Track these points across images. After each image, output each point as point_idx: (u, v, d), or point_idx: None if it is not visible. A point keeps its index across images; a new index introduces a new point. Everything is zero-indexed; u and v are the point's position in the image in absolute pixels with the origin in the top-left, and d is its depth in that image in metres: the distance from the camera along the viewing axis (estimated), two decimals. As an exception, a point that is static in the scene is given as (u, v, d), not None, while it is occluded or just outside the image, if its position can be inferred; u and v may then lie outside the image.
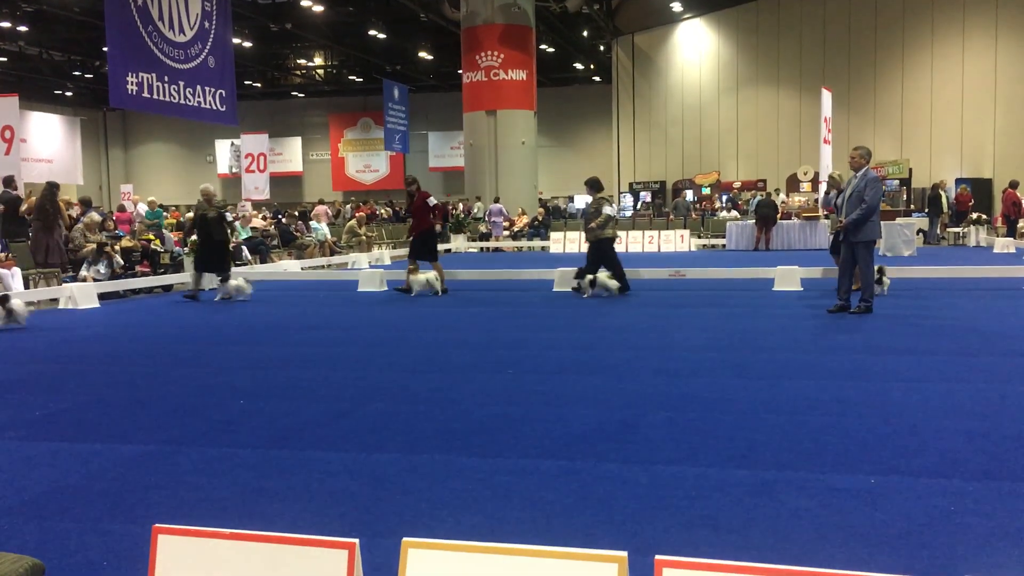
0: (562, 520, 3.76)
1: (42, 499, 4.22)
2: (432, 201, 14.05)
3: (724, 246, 25.79)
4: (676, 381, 6.66)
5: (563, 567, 1.91)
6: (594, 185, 13.46)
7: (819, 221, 24.11)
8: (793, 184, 32.81)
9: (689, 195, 34.74)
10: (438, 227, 14.44)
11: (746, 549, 3.39)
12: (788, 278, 13.54)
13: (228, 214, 14.83)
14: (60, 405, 6.36)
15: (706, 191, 35.92)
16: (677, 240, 26.03)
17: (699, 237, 27.47)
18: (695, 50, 37.08)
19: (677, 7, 36.34)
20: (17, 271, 13.56)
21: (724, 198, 34.33)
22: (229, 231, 14.60)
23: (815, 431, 5.11)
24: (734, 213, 29.78)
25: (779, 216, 25.08)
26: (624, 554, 1.93)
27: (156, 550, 2.14)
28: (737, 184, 34.33)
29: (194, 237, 14.81)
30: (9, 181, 16.58)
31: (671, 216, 30.16)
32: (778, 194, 30.42)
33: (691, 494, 4.04)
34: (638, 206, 36.60)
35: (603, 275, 13.01)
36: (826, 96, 25.28)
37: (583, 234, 15.65)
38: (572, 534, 3.55)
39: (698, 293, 13.35)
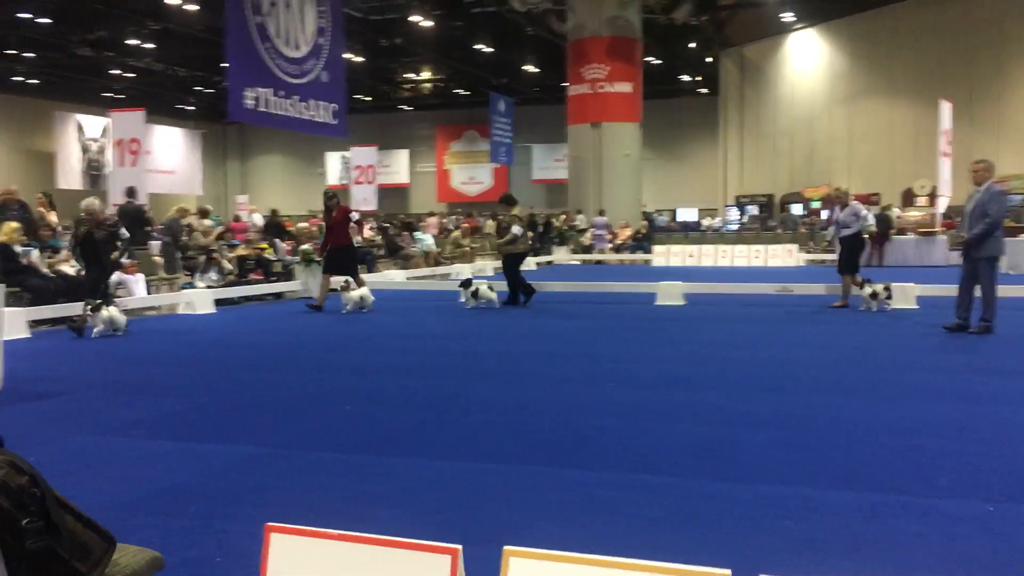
0: (662, 536, 3.72)
1: (160, 495, 4.42)
2: (355, 216, 14.13)
3: (835, 261, 25.01)
4: (781, 399, 6.51)
5: (665, 582, 1.90)
6: (507, 201, 14.19)
7: (936, 236, 23.19)
8: (908, 198, 31.60)
9: (798, 209, 33.85)
10: (358, 239, 14.40)
11: (854, 575, 3.29)
12: (902, 295, 13.04)
13: (124, 231, 12.64)
14: (177, 406, 6.64)
15: (815, 204, 34.96)
16: (785, 255, 25.42)
17: (808, 252, 26.75)
18: (806, 61, 36.19)
19: (788, 17, 35.56)
20: (141, 277, 14.23)
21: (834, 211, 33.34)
22: (119, 253, 12.27)
23: (929, 454, 4.92)
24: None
25: (893, 231, 24.21)
26: (727, 572, 1.90)
27: (268, 548, 2.22)
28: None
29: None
30: (131, 192, 17.41)
31: (778, 230, 29.46)
32: (891, 209, 29.36)
33: (796, 515, 3.95)
34: (744, 219, 35.90)
35: (483, 286, 13.60)
36: (945, 108, 24.33)
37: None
38: (672, 551, 3.51)
39: (805, 309, 13.01)
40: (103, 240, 11.58)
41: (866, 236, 13.70)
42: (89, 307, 11.04)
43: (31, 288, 11.98)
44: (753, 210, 36.66)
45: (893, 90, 34.13)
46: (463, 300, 13.68)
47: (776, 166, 37.14)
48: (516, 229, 13.73)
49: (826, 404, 6.30)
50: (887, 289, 12.60)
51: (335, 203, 13.95)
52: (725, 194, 38.61)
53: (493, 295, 13.59)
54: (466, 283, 13.83)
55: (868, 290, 12.60)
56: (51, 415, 6.41)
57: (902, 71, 33.80)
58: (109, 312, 11.03)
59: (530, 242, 15.41)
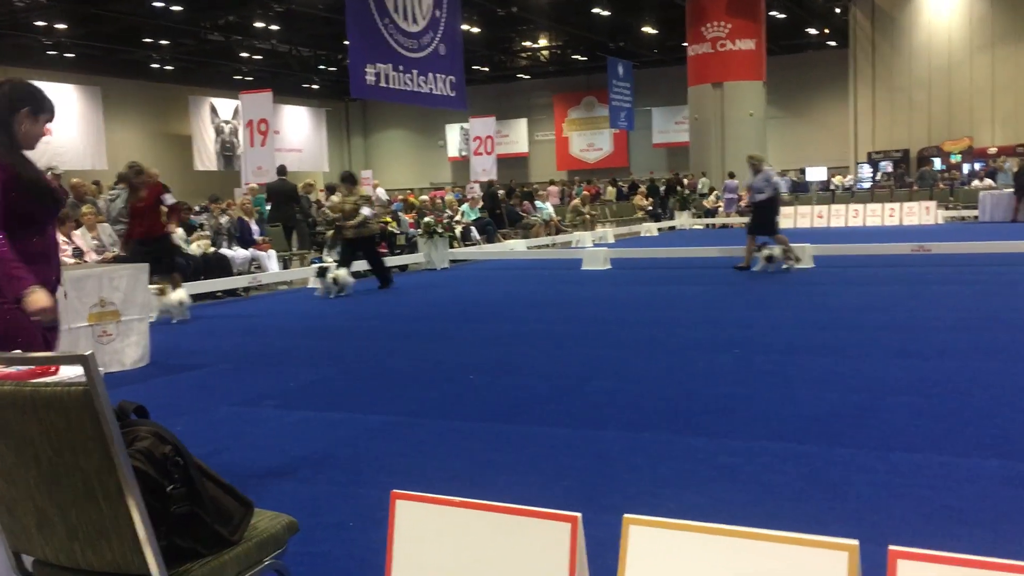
0: (790, 504, 3.64)
1: (296, 463, 4.61)
2: (169, 200, 10.87)
3: (976, 218, 23.78)
4: (919, 363, 6.24)
5: (788, 552, 1.86)
6: (349, 180, 13.74)
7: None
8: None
9: (937, 163, 32.15)
10: (172, 229, 11.24)
11: (997, 545, 3.14)
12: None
13: None
14: (310, 377, 6.90)
15: (956, 159, 33.10)
16: (922, 212, 24.26)
17: (947, 209, 25.47)
18: (944, 5, 34.15)
19: (922, -40, 33.60)
20: (272, 253, 14.79)
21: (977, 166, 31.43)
22: None
23: (1081, 421, 4.63)
24: (987, 182, 27.32)
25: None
26: (855, 542, 1.85)
27: (394, 514, 2.30)
28: (993, 150, 31.35)
29: None
30: (282, 170, 18.02)
31: (915, 187, 28.14)
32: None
33: (934, 483, 3.79)
34: (877, 177, 34.37)
35: (342, 272, 12.83)
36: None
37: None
38: (800, 520, 3.43)
39: (945, 269, 12.40)
40: None
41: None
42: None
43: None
44: (887, 167, 35.04)
45: (1040, 33, 31.86)
46: (320, 290, 12.81)
47: (912, 120, 35.30)
48: (366, 210, 13.24)
49: (968, 368, 6.01)
50: (786, 250, 12.96)
51: (142, 181, 10.69)
52: (856, 151, 36.99)
53: (351, 280, 12.90)
54: (322, 272, 12.73)
55: (765, 252, 12.87)
56: (193, 387, 6.78)
57: (1051, 12, 31.51)
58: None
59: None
